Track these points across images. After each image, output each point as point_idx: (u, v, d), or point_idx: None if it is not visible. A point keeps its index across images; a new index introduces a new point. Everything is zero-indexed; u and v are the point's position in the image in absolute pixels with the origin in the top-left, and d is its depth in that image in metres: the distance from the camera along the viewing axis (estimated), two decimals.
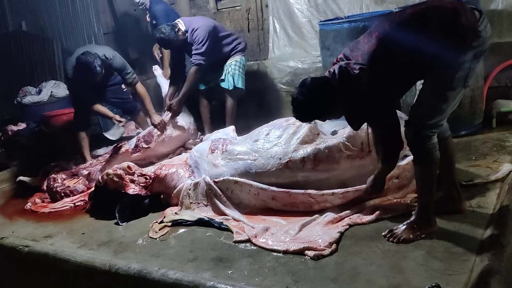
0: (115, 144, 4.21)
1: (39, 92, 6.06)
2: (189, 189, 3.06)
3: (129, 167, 3.26)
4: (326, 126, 2.93)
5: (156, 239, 2.72)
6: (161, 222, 2.88)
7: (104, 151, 4.36)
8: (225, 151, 3.04)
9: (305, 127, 2.85)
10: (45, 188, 3.87)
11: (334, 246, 2.27)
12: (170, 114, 4.26)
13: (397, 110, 2.32)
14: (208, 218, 2.83)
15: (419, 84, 2.26)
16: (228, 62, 4.38)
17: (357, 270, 2.06)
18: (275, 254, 2.32)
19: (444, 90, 2.09)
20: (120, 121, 4.39)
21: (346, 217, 2.57)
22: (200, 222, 2.81)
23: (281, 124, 3.00)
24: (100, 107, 4.42)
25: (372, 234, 2.36)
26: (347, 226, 2.47)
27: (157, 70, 4.83)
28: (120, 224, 3.02)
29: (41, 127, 5.29)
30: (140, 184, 3.20)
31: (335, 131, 2.92)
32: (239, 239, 2.52)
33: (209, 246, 2.53)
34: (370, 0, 4.39)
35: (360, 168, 2.71)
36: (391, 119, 2.18)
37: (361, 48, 2.18)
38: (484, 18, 2.07)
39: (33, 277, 2.85)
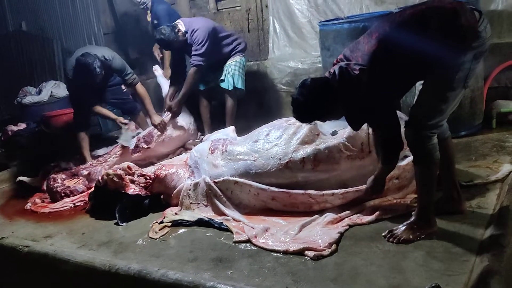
0: (116, 145, 4.21)
1: (39, 92, 6.06)
2: (189, 190, 3.06)
3: (129, 167, 3.27)
4: (326, 126, 2.93)
5: (156, 239, 2.72)
6: (161, 222, 2.88)
7: (104, 151, 4.36)
8: (225, 152, 3.04)
9: (305, 128, 2.85)
10: (45, 188, 3.87)
11: (334, 246, 2.27)
12: (170, 114, 4.27)
13: (397, 111, 2.32)
14: (208, 218, 2.83)
15: (419, 85, 2.26)
16: (228, 62, 4.38)
17: (357, 270, 2.06)
18: (275, 254, 2.32)
19: (444, 91, 2.09)
20: (125, 123, 4.38)
21: (346, 217, 2.57)
22: (200, 223, 2.81)
23: (281, 125, 3.00)
24: (103, 110, 4.44)
25: (372, 235, 2.36)
26: (347, 227, 2.47)
27: (157, 70, 4.84)
28: (120, 224, 3.01)
29: (41, 127, 5.29)
30: (140, 184, 3.21)
31: (335, 132, 2.92)
32: (239, 239, 2.52)
33: (209, 246, 2.53)
34: (370, 0, 4.40)
35: (360, 169, 2.71)
36: (391, 119, 2.18)
37: (361, 48, 2.18)
38: (484, 18, 2.07)
39: (33, 277, 2.85)
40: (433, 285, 1.79)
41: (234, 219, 2.77)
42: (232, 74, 4.34)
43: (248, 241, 2.49)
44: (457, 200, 2.39)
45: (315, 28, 4.57)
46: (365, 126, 2.46)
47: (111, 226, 3.02)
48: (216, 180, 2.94)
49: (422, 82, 2.20)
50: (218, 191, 2.92)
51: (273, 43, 5.04)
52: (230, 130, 3.57)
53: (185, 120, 4.42)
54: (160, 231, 2.78)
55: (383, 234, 2.31)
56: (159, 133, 4.16)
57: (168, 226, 2.84)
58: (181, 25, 4.23)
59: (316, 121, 2.62)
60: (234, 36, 4.49)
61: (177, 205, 3.08)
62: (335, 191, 2.66)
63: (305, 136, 2.82)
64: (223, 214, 2.86)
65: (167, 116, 4.30)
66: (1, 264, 3.01)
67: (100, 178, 3.26)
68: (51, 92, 5.99)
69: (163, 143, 4.18)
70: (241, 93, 4.45)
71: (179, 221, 2.86)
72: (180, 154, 4.14)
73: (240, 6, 5.32)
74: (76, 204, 3.57)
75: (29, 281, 2.89)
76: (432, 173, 2.20)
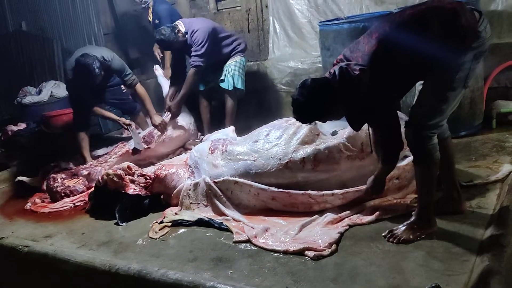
0: (116, 145, 4.21)
1: (39, 92, 6.06)
2: (189, 190, 3.06)
3: (129, 167, 3.26)
4: (326, 126, 2.93)
5: (156, 239, 2.71)
6: (161, 222, 2.88)
7: (104, 152, 4.36)
8: (225, 152, 3.04)
9: (305, 128, 2.85)
10: (45, 188, 3.86)
11: (334, 246, 2.27)
12: (170, 115, 4.27)
13: (397, 111, 2.32)
14: (208, 218, 2.83)
15: (418, 85, 2.27)
16: (228, 62, 4.38)
17: (356, 270, 2.06)
18: (275, 254, 2.32)
19: (444, 91, 2.09)
20: (129, 124, 4.37)
21: (346, 217, 2.57)
22: (200, 223, 2.81)
23: (281, 125, 3.00)
24: (104, 112, 4.43)
25: (372, 235, 2.36)
26: (347, 227, 2.47)
27: (158, 69, 4.84)
28: (120, 224, 3.01)
29: (41, 127, 5.28)
30: (140, 184, 3.20)
31: (335, 132, 2.92)
32: (239, 239, 2.52)
33: (209, 246, 2.53)
34: (370, 0, 4.40)
35: (360, 169, 2.71)
36: (392, 119, 2.18)
37: (361, 49, 2.18)
38: (483, 18, 2.07)
39: (32, 277, 2.85)
40: (433, 285, 1.80)
41: (234, 219, 2.77)
42: (232, 74, 4.34)
43: (248, 241, 2.49)
44: (457, 200, 2.39)
45: (315, 28, 4.57)
46: (365, 126, 2.46)
47: (111, 226, 3.02)
48: (216, 180, 2.94)
49: (422, 82, 2.21)
50: (218, 191, 2.92)
51: (273, 43, 5.04)
52: (230, 130, 3.57)
53: (185, 120, 4.42)
54: (160, 231, 2.78)
55: (383, 234, 2.31)
56: (159, 133, 4.16)
57: (168, 226, 2.84)
58: (181, 25, 4.24)
59: (316, 121, 2.62)
60: (234, 37, 4.49)
61: (177, 205, 3.08)
62: (335, 191, 2.66)
63: (305, 136, 2.82)
64: (223, 214, 2.86)
65: (167, 116, 4.30)
66: (1, 264, 3.01)
67: (100, 178, 3.26)
68: (51, 92, 5.99)
69: (163, 143, 4.18)
70: (241, 93, 4.45)
71: (179, 221, 2.86)
72: (180, 154, 4.14)
73: (240, 6, 5.32)
74: (76, 204, 3.56)
75: (29, 281, 2.88)
76: (432, 173, 2.20)
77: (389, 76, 2.12)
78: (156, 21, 5.07)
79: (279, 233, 2.50)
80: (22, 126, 5.47)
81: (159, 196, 3.22)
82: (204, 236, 2.67)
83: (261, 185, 2.79)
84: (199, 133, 4.59)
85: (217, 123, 4.42)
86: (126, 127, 4.39)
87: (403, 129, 2.22)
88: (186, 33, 4.21)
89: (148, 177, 3.23)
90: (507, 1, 3.84)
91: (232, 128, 3.64)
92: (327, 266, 2.15)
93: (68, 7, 6.66)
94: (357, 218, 2.53)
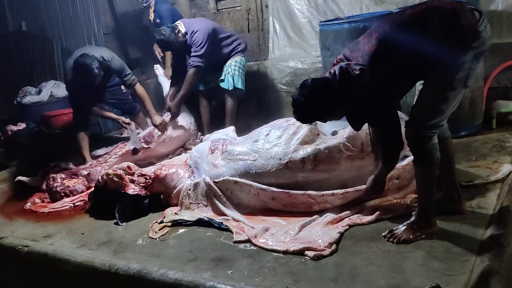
0: (116, 145, 4.21)
1: (39, 92, 6.05)
2: (189, 189, 3.06)
3: (129, 167, 3.26)
4: (326, 126, 2.93)
5: (156, 239, 2.71)
6: (161, 222, 2.87)
7: (104, 151, 4.36)
8: (225, 152, 3.04)
9: (305, 128, 2.85)
10: (44, 188, 3.86)
11: (334, 246, 2.27)
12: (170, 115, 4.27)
13: (397, 111, 2.32)
14: (208, 218, 2.83)
15: (418, 85, 2.27)
16: (228, 62, 4.38)
17: (356, 270, 2.06)
18: (275, 254, 2.32)
19: (444, 91, 2.09)
20: (128, 123, 4.36)
21: (346, 217, 2.57)
22: (200, 222, 2.81)
23: (281, 125, 3.00)
24: (104, 112, 4.43)
25: (372, 235, 2.36)
26: (347, 227, 2.47)
27: (158, 69, 4.84)
28: (120, 224, 3.01)
29: (41, 127, 5.28)
30: (140, 184, 3.20)
31: (335, 132, 2.92)
32: (239, 239, 2.52)
33: (209, 246, 2.53)
34: (370, 0, 4.40)
35: (360, 169, 2.71)
36: (392, 119, 2.18)
37: (361, 49, 2.18)
38: (484, 18, 2.07)
39: (32, 277, 2.84)
40: (433, 285, 1.79)
41: (234, 219, 2.77)
42: (232, 74, 4.34)
43: (248, 241, 2.49)
44: (457, 200, 2.39)
45: (315, 28, 4.57)
46: (365, 126, 2.46)
47: (111, 226, 3.02)
48: (216, 180, 2.94)
49: (422, 82, 2.20)
50: (218, 191, 2.92)
51: (273, 43, 5.04)
52: (230, 130, 3.56)
53: (185, 120, 4.41)
54: (160, 231, 2.78)
55: (383, 234, 2.31)
56: (159, 133, 4.15)
57: (168, 226, 2.84)
58: (181, 26, 4.24)
59: (316, 121, 2.62)
60: (234, 37, 4.49)
61: (177, 205, 3.08)
62: (335, 191, 2.66)
63: (305, 136, 2.82)
64: (223, 214, 2.86)
65: (167, 116, 4.30)
66: (0, 264, 3.01)
67: (100, 178, 3.26)
68: (51, 92, 5.99)
69: (163, 143, 4.18)
70: (241, 93, 4.45)
71: (179, 221, 2.86)
72: (180, 154, 4.14)
73: (240, 6, 5.32)
74: (76, 204, 3.56)
75: (29, 281, 2.88)
76: (432, 173, 2.20)
77: (389, 76, 2.12)
78: (157, 21, 5.08)
79: (279, 233, 2.50)
80: (22, 126, 5.47)
81: (159, 196, 3.22)
82: (204, 236, 2.67)
83: (261, 185, 2.78)
84: (199, 133, 4.59)
85: (217, 123, 4.42)
86: (125, 125, 4.39)
87: (403, 129, 2.22)
88: (186, 33, 4.21)
89: (148, 177, 3.23)
90: (507, 1, 3.85)
91: (232, 128, 3.64)
92: (327, 266, 2.15)
93: (68, 7, 6.66)
94: (357, 218, 2.53)
